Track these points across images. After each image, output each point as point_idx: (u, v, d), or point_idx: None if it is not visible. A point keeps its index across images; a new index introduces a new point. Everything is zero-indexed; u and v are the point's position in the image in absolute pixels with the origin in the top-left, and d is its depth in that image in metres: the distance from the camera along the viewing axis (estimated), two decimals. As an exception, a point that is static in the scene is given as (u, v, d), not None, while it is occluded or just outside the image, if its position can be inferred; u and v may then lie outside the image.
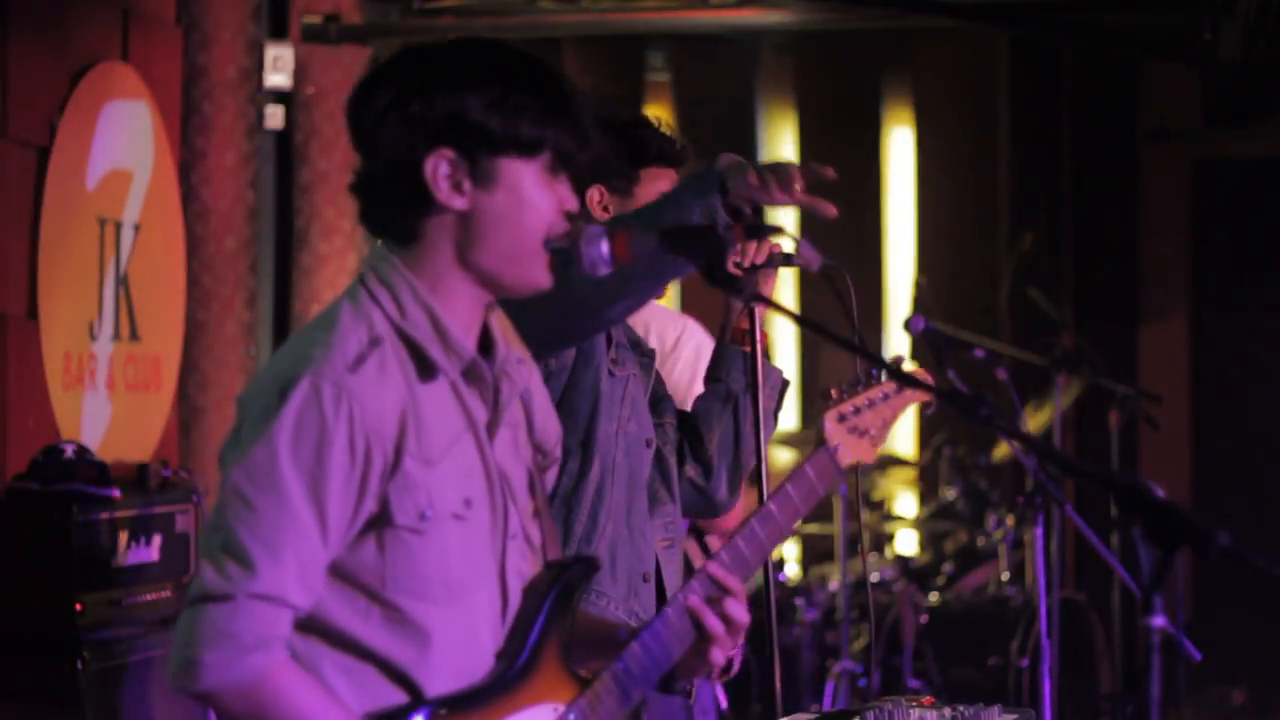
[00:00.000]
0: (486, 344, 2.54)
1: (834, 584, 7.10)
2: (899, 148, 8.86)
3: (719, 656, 2.64)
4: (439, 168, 2.44)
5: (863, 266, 8.69)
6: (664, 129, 3.58)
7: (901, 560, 7.45)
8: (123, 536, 4.64)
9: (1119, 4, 7.46)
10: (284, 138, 7.03)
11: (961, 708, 3.12)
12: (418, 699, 2.41)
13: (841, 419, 2.93)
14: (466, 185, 2.45)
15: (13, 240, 5.27)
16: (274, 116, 6.95)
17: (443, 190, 2.44)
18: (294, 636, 2.38)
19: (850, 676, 6.66)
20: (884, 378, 3.02)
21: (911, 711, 3.11)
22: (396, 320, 2.45)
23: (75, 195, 5.51)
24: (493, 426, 2.51)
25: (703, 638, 2.62)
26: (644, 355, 3.50)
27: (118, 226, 5.75)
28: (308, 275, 7.02)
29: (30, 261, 5.31)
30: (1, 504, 4.60)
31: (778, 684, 2.95)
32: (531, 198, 2.47)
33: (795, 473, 2.87)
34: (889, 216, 8.83)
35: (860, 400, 2.97)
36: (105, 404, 5.66)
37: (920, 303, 7.58)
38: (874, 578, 7.41)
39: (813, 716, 3.26)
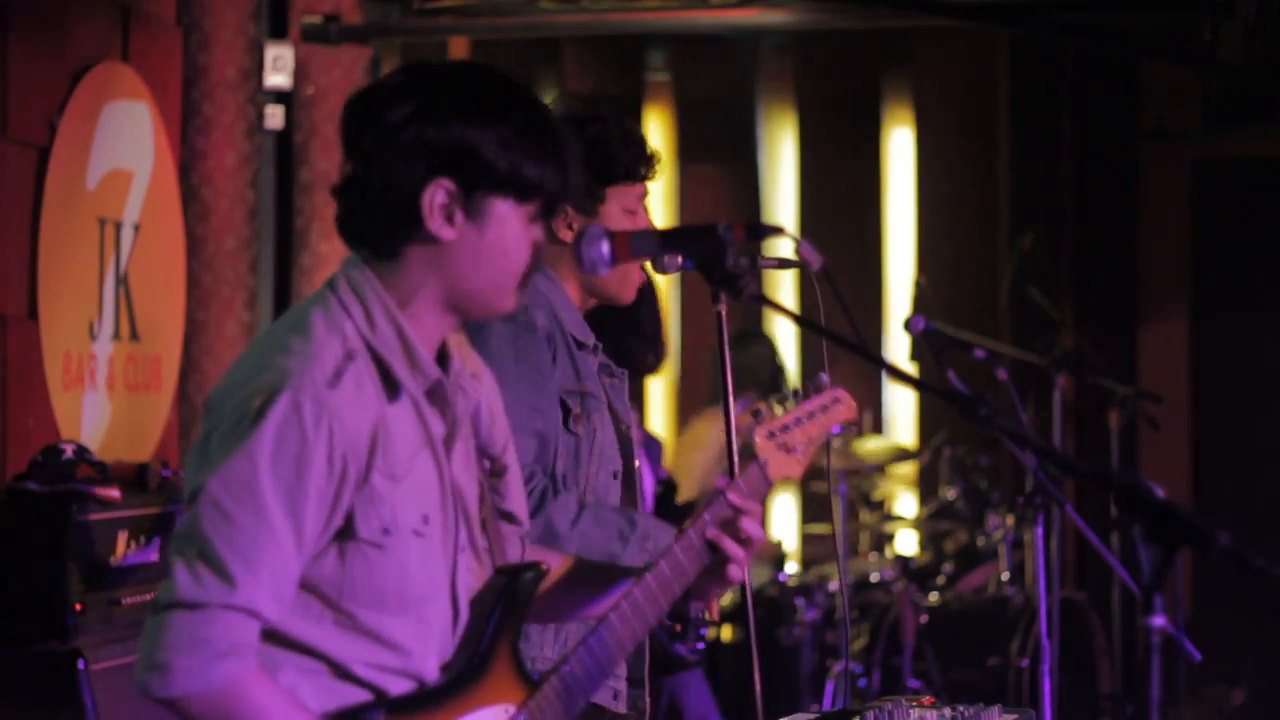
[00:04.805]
0: (442, 358, 2.55)
1: (834, 584, 7.10)
2: (899, 148, 8.85)
3: (737, 573, 2.76)
4: (436, 196, 2.44)
5: (863, 266, 8.69)
6: (633, 138, 3.49)
7: (901, 560, 7.44)
8: (122, 536, 4.63)
9: (1119, 4, 7.46)
10: (284, 138, 7.02)
11: (961, 708, 3.13)
12: (372, 700, 2.45)
13: (770, 435, 2.95)
14: (459, 217, 2.45)
15: (13, 240, 5.27)
16: (274, 116, 6.95)
17: (435, 219, 2.45)
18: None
19: (850, 676, 6.65)
20: (822, 390, 3.04)
21: (911, 711, 3.12)
22: (366, 334, 2.46)
23: (75, 195, 5.51)
24: (449, 442, 2.53)
25: (719, 559, 2.74)
26: (613, 376, 3.50)
27: (118, 226, 5.74)
28: (308, 275, 7.01)
29: (30, 261, 5.31)
30: (1, 504, 4.59)
31: (758, 686, 2.97)
32: (515, 239, 2.49)
33: (730, 485, 2.90)
34: (889, 216, 8.82)
35: (787, 419, 2.98)
36: (105, 404, 5.66)
37: (920, 303, 7.57)
38: (874, 578, 7.40)
39: (813, 716, 3.26)
